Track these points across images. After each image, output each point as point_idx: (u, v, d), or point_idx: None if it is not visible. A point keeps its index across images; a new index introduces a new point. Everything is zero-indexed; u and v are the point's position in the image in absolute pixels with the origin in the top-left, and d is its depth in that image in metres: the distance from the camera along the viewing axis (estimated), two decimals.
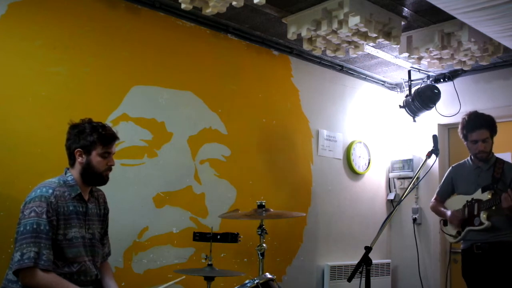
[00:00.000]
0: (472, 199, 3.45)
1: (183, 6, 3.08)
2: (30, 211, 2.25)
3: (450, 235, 3.60)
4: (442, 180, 3.81)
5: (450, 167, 3.80)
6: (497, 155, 3.57)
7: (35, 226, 2.22)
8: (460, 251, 3.65)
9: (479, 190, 3.42)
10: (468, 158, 3.63)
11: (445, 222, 3.67)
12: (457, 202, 3.59)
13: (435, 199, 3.80)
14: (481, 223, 3.35)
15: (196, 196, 3.61)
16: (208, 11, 3.14)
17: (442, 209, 3.68)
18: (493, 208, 3.30)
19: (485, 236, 3.37)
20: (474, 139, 3.46)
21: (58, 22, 3.04)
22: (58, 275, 2.26)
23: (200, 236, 3.15)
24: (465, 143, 3.56)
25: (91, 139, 2.42)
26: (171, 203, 3.46)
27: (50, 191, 2.32)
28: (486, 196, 3.36)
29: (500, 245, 3.35)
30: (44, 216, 2.25)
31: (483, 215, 3.34)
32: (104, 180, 2.51)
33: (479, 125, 3.46)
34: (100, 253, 2.55)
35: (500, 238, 3.35)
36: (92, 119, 2.52)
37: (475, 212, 3.40)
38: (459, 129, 3.59)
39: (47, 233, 2.24)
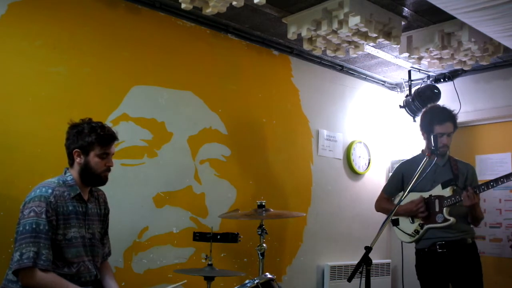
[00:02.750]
0: (431, 195, 3.32)
1: (183, 6, 3.08)
2: (29, 211, 2.25)
3: (406, 234, 3.40)
4: (390, 177, 3.67)
5: (400, 164, 3.68)
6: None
7: (34, 226, 2.22)
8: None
9: (438, 186, 3.31)
10: (420, 153, 3.52)
11: (395, 221, 3.48)
12: (410, 200, 3.39)
13: (382, 197, 3.62)
14: (445, 220, 3.23)
15: (196, 196, 3.61)
16: (208, 11, 3.14)
17: (392, 206, 3.46)
18: (457, 204, 3.22)
19: (447, 234, 3.26)
20: (440, 131, 3.31)
21: (58, 22, 3.05)
22: (57, 275, 2.26)
23: (200, 236, 3.15)
24: (424, 135, 3.41)
25: (89, 140, 2.41)
26: (171, 203, 3.46)
27: (50, 191, 2.32)
28: (448, 192, 3.26)
29: (462, 244, 3.27)
30: (44, 216, 2.25)
31: (446, 211, 3.24)
32: (102, 181, 2.50)
33: (448, 117, 3.34)
34: (100, 253, 2.55)
35: (462, 236, 3.27)
36: (92, 119, 2.51)
37: (437, 209, 3.27)
38: (425, 121, 3.41)
39: (47, 233, 2.24)
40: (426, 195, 3.35)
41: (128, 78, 3.33)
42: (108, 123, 3.07)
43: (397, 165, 3.71)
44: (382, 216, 4.97)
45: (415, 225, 3.38)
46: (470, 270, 3.26)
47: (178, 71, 3.59)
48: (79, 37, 3.12)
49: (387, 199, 3.62)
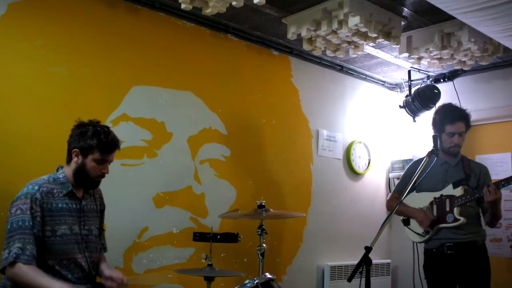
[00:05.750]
0: (442, 195, 3.31)
1: (183, 6, 3.08)
2: (16, 209, 2.28)
3: (417, 234, 3.39)
4: (402, 176, 3.62)
5: (411, 163, 3.66)
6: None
7: (20, 223, 2.24)
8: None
9: (449, 186, 3.29)
10: None
11: (406, 221, 3.45)
12: (421, 199, 3.41)
13: (393, 196, 3.58)
14: (455, 219, 3.22)
15: (196, 196, 3.61)
16: (208, 11, 3.14)
17: (407, 207, 3.43)
18: (468, 204, 3.20)
19: (456, 235, 3.25)
20: (451, 131, 3.30)
21: (58, 22, 3.04)
22: (37, 268, 2.23)
23: (200, 236, 3.16)
24: (436, 135, 3.34)
25: (90, 143, 2.41)
26: (171, 203, 3.46)
27: (36, 187, 2.34)
28: (459, 191, 3.24)
29: (471, 245, 3.26)
30: (28, 212, 2.27)
31: (456, 211, 3.23)
32: (94, 185, 2.51)
33: (459, 117, 3.31)
34: (98, 249, 2.55)
35: (473, 237, 3.26)
36: (99, 122, 2.51)
37: (447, 209, 3.26)
38: (435, 120, 3.39)
39: (31, 228, 2.25)
40: (437, 194, 3.33)
41: (128, 78, 3.33)
42: (108, 123, 3.08)
43: (409, 164, 3.66)
44: (382, 216, 5.01)
45: None
46: (477, 273, 3.24)
47: (178, 71, 3.59)
48: (79, 37, 3.12)
49: (398, 199, 3.53)
